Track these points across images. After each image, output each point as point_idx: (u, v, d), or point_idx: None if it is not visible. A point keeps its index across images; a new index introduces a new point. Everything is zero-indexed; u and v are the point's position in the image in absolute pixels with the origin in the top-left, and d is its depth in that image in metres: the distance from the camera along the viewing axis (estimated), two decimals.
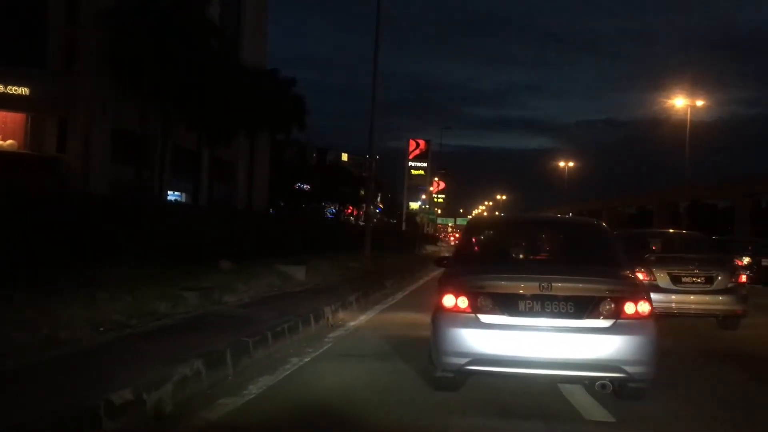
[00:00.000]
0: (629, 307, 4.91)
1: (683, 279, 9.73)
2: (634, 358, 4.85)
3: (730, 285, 9.70)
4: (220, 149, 38.94)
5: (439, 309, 5.17)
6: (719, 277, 9.72)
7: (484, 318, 4.96)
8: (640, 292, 5.10)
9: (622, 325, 4.87)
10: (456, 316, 5.02)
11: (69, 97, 31.63)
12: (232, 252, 13.57)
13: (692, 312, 9.77)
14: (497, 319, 4.95)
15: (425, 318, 9.76)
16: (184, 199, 40.16)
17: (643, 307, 4.95)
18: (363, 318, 9.88)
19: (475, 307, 4.99)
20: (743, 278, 10.20)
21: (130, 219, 11.21)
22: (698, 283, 9.75)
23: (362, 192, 57.75)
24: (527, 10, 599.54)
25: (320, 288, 11.98)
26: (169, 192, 38.00)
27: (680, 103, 43.09)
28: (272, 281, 11.42)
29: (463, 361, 4.95)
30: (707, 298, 9.64)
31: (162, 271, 9.20)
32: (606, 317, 4.88)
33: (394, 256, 24.93)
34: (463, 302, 5.02)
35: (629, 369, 4.83)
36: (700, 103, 44.40)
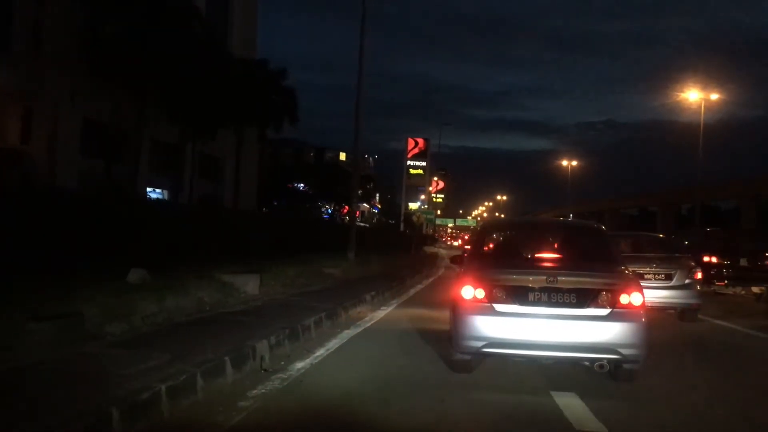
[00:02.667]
0: (624, 298, 5.51)
1: (645, 276, 10.35)
2: (627, 341, 5.43)
3: (687, 281, 10.64)
4: (205, 143, 36.28)
5: (459, 299, 5.72)
6: (677, 275, 10.63)
7: (499, 307, 5.57)
8: (632, 285, 5.67)
9: (617, 313, 5.47)
10: (474, 306, 5.61)
11: (35, 84, 29.13)
12: (172, 256, 10.70)
13: (654, 306, 10.11)
14: (510, 308, 5.54)
15: (411, 355, 7.07)
16: (164, 197, 37.54)
17: (636, 298, 5.53)
18: (320, 352, 7.03)
19: (491, 298, 5.59)
20: (698, 275, 10.97)
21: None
22: (659, 279, 10.58)
23: (360, 191, 55.24)
24: (527, 11, 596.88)
25: (272, 305, 9.10)
26: (149, 189, 35.43)
27: (689, 99, 40.46)
28: (207, 296, 8.52)
29: (480, 344, 5.56)
30: (667, 293, 10.46)
31: (22, 286, 6.29)
32: (604, 306, 5.49)
33: (385, 258, 22.07)
34: (480, 293, 5.62)
35: (624, 351, 5.42)
36: (714, 96, 41.78)
